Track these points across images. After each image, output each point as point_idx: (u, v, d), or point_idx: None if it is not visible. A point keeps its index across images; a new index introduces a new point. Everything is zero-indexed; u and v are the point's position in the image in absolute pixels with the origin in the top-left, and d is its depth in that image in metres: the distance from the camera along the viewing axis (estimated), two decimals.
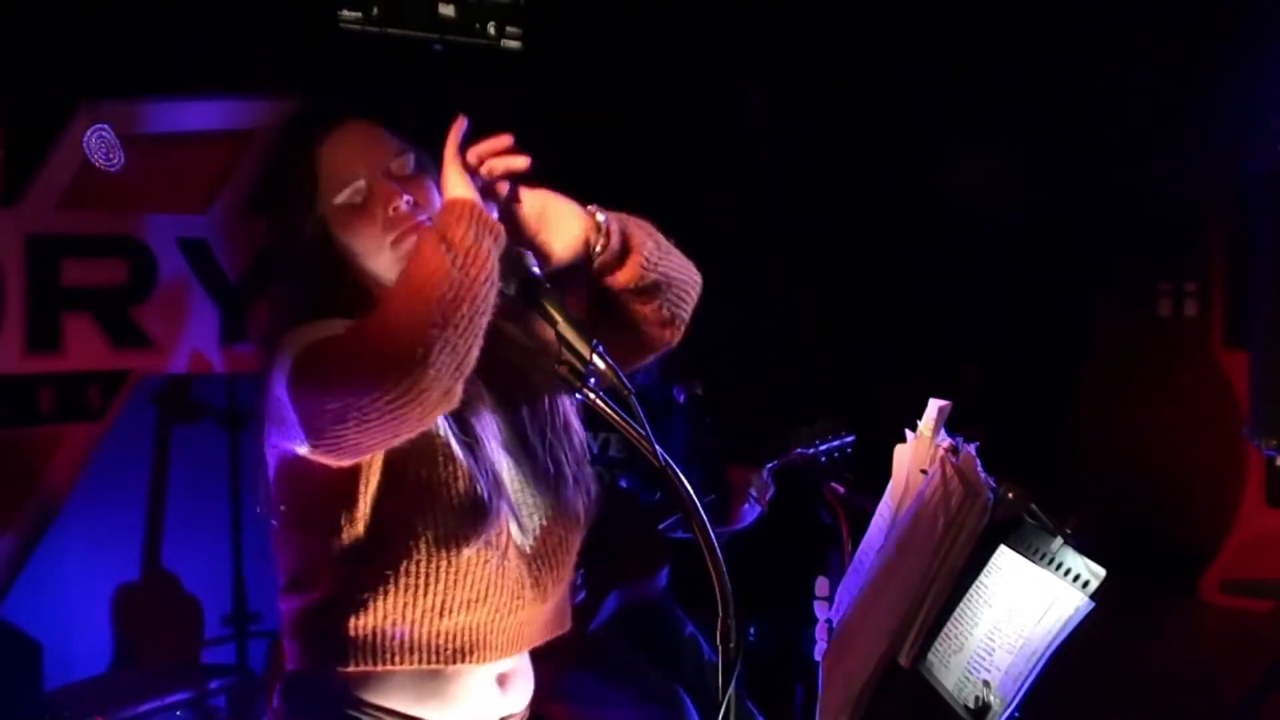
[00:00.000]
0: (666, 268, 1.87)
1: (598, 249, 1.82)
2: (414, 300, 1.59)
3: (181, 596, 4.08)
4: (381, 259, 1.78)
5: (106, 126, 3.63)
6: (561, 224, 1.81)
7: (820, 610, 2.14)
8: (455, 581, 1.76)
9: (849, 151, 5.75)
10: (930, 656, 1.73)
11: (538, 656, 3.14)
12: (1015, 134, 5.83)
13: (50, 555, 3.74)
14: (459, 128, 1.73)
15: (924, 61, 5.78)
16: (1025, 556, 1.65)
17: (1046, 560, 1.61)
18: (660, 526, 3.21)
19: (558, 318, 1.69)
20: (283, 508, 1.79)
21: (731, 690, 1.61)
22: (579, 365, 1.65)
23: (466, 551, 1.75)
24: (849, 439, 3.22)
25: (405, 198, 1.78)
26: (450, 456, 1.75)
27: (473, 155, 1.74)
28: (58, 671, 3.74)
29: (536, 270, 1.75)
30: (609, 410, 1.65)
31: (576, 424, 1.95)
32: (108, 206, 3.71)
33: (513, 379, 1.88)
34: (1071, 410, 6.37)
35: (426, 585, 1.75)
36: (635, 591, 3.28)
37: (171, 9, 3.87)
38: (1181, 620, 5.48)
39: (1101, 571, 1.54)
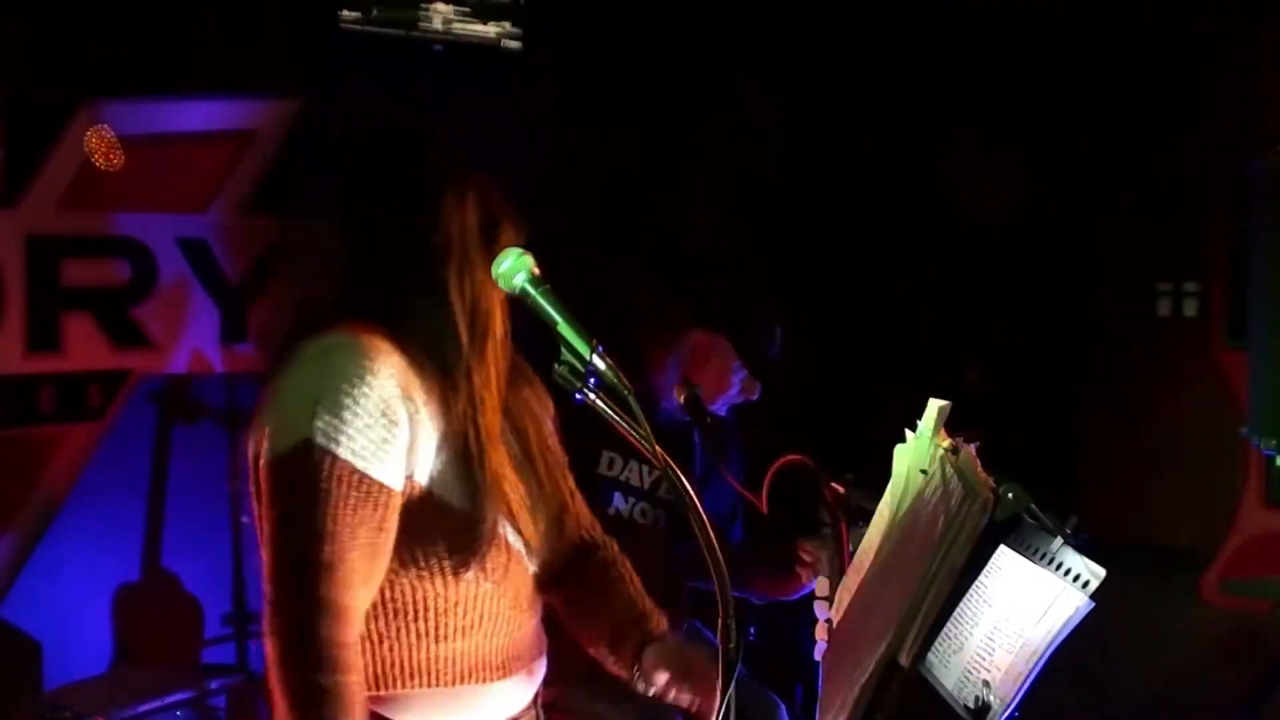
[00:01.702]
0: None
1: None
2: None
3: (181, 596, 4.07)
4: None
5: (106, 126, 3.63)
6: None
7: (820, 610, 2.14)
8: (448, 609, 1.75)
9: (848, 152, 5.75)
10: (930, 656, 1.73)
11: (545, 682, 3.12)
12: (1015, 133, 5.83)
13: (50, 555, 3.73)
14: None
15: (922, 61, 5.78)
16: (1025, 556, 1.65)
17: (1046, 560, 1.61)
18: (688, 583, 3.13)
19: (557, 317, 1.69)
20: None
21: (731, 690, 1.61)
22: (579, 365, 1.65)
23: (464, 578, 1.74)
24: None
25: None
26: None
27: None
28: (58, 671, 3.74)
29: (536, 270, 1.75)
30: (608, 411, 1.65)
31: (557, 445, 1.98)
32: (108, 206, 3.71)
33: (521, 399, 1.91)
34: (1071, 410, 6.37)
35: (418, 612, 1.74)
36: None
37: (172, 9, 3.87)
38: (1181, 620, 5.48)
39: (1101, 571, 1.54)
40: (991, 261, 6.05)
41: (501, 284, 1.74)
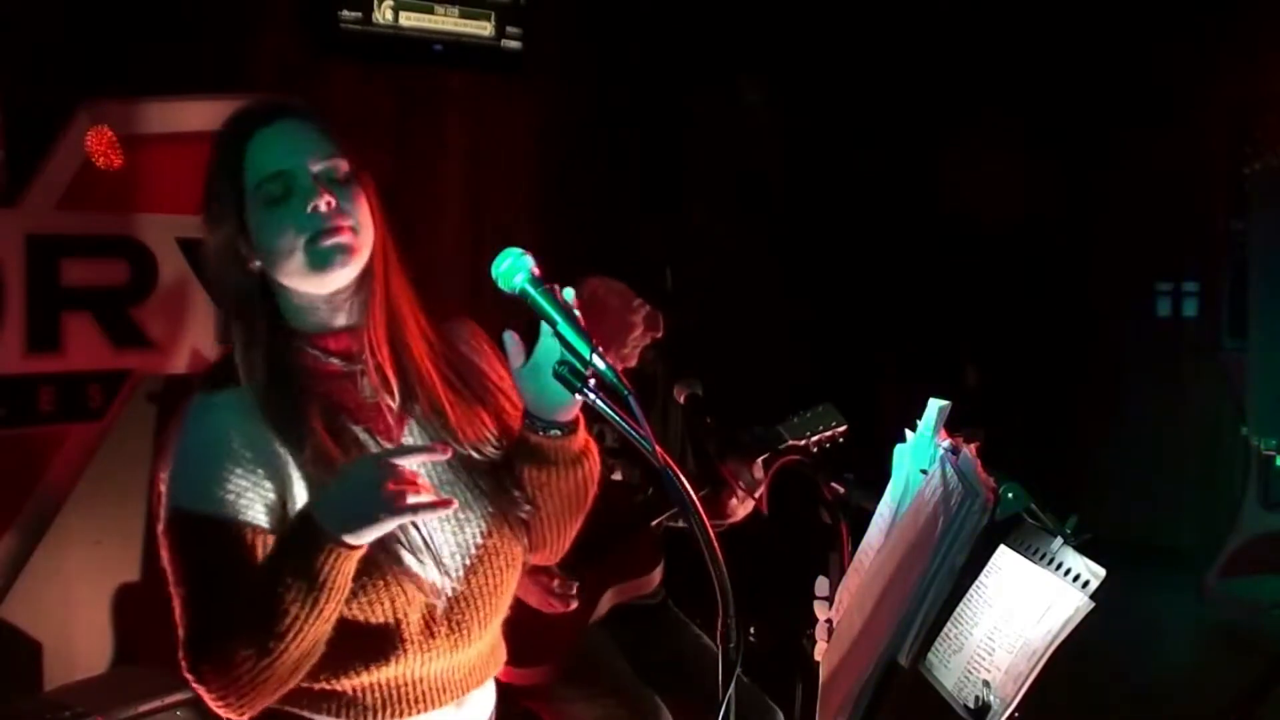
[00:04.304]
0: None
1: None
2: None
3: None
4: (293, 262, 1.71)
5: (106, 126, 3.63)
6: None
7: (820, 610, 2.14)
8: (344, 644, 1.68)
9: (847, 151, 5.76)
10: (930, 656, 1.73)
11: (534, 661, 3.12)
12: (1015, 134, 5.83)
13: (50, 555, 3.73)
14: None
15: (923, 61, 5.79)
16: (1025, 556, 1.65)
17: (1046, 560, 1.61)
18: (653, 523, 3.17)
19: (557, 317, 1.69)
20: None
21: (732, 690, 1.61)
22: (579, 365, 1.65)
23: (347, 614, 1.67)
24: (841, 429, 3.16)
25: (326, 199, 1.71)
26: None
27: None
28: (58, 671, 3.74)
29: (536, 270, 1.75)
30: (608, 411, 1.65)
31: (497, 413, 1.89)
32: (108, 206, 3.70)
33: (465, 411, 1.83)
34: (1072, 410, 6.37)
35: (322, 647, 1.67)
36: (629, 591, 3.25)
37: (171, 9, 3.87)
38: (1181, 620, 5.48)
39: (1101, 571, 1.54)
40: (991, 261, 6.06)
41: (501, 284, 1.73)
